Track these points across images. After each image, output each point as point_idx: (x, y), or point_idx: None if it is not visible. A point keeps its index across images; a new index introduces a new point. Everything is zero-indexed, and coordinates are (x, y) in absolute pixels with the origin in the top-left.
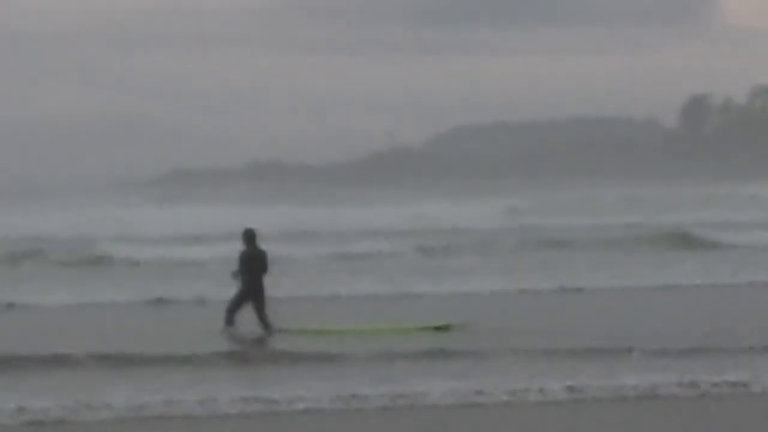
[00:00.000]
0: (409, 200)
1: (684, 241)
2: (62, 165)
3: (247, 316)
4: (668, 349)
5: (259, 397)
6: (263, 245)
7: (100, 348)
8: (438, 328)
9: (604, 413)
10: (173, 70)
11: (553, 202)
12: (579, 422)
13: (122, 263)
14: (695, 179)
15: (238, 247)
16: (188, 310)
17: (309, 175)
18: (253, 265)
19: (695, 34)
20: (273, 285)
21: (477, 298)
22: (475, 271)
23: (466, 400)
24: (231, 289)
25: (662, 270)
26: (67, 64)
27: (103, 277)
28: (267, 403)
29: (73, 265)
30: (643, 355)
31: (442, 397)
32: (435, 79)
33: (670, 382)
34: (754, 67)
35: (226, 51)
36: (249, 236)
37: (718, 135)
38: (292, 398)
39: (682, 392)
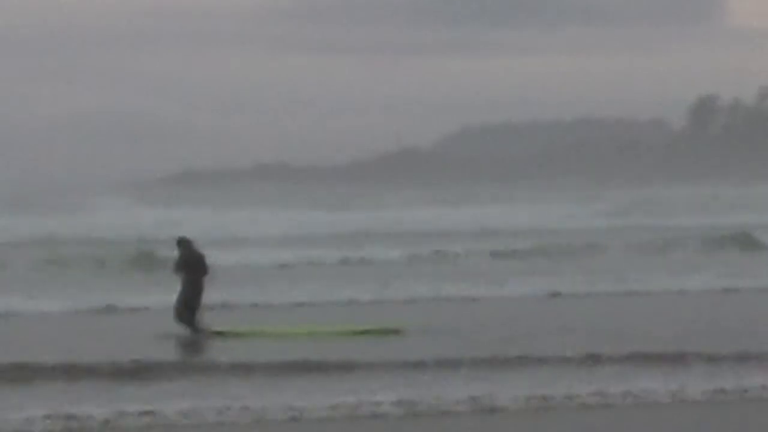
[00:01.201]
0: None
1: (748, 242)
2: (68, 166)
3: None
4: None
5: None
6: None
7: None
8: (364, 333)
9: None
10: (180, 71)
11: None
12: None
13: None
14: (707, 180)
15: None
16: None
17: (316, 176)
18: (194, 267)
19: (704, 34)
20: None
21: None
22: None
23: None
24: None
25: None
26: (73, 65)
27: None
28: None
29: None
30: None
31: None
32: (441, 80)
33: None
34: (763, 67)
35: (233, 52)
36: (185, 242)
37: (726, 136)
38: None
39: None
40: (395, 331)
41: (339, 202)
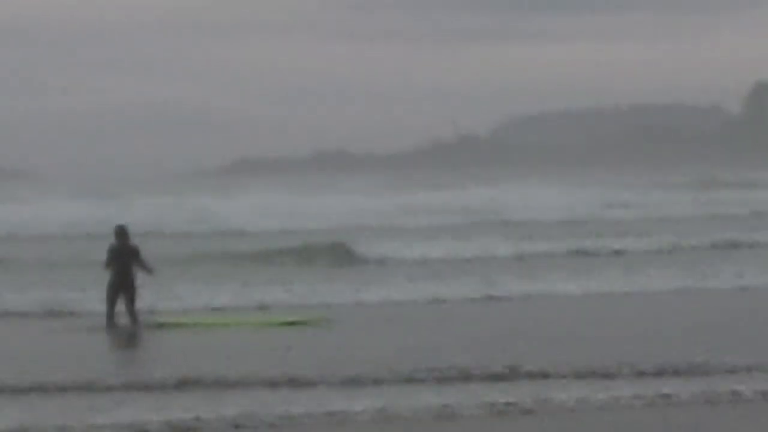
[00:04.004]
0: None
1: None
2: (128, 156)
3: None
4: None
5: None
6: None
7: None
8: (292, 324)
9: None
10: (238, 60)
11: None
12: None
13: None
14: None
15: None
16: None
17: (376, 164)
18: (122, 258)
19: (760, 20)
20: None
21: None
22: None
23: None
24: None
25: None
26: (131, 56)
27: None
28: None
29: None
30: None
31: None
32: (498, 68)
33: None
34: None
35: (291, 41)
36: (121, 232)
37: None
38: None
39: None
40: (318, 323)
41: (419, 186)
